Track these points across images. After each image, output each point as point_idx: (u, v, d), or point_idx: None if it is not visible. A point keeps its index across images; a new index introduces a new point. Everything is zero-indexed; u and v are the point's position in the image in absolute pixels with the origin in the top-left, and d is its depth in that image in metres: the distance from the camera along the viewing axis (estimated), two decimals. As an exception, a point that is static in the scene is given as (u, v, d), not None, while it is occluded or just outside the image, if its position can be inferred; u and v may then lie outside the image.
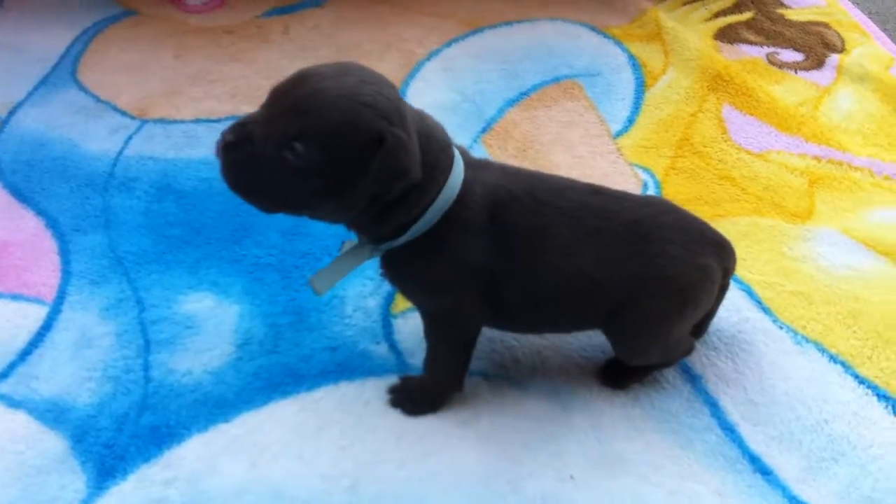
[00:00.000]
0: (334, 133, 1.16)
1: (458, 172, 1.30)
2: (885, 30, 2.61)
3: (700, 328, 1.57)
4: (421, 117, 1.28)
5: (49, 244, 1.80)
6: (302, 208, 1.26)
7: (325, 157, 1.17)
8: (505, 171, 1.39)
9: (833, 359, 1.59)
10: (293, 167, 1.17)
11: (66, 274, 1.74)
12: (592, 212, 1.37)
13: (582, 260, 1.35)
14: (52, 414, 1.49)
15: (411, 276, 1.39)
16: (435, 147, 1.27)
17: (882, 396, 1.53)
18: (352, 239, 1.40)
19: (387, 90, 1.21)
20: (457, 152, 1.33)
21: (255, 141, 1.17)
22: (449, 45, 2.43)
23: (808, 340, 1.62)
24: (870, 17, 2.67)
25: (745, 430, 1.47)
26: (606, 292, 1.38)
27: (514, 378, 1.56)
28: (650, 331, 1.43)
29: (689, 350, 1.53)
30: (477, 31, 2.50)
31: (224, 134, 1.19)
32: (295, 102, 1.16)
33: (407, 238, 1.30)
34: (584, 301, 1.40)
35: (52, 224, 1.84)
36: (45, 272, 1.74)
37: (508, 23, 2.54)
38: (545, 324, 1.49)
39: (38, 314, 1.66)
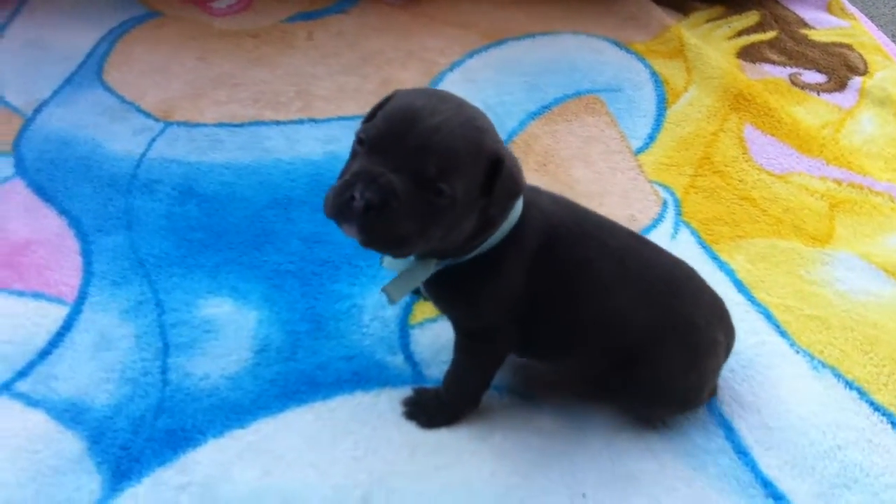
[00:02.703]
0: (466, 163, 1.14)
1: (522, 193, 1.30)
2: (908, 53, 2.61)
3: None
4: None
5: (71, 244, 1.81)
6: (435, 242, 1.21)
7: (464, 189, 1.15)
8: (554, 198, 1.40)
9: (849, 385, 1.59)
10: (442, 208, 1.14)
11: (88, 274, 1.75)
12: (634, 256, 1.39)
13: (617, 300, 1.38)
14: (69, 414, 1.50)
15: (463, 293, 1.35)
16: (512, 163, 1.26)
17: (897, 424, 1.53)
18: None
19: (478, 110, 1.21)
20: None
21: (399, 195, 1.11)
22: (471, 55, 2.44)
23: (824, 365, 1.62)
24: (893, 40, 2.66)
25: (758, 454, 1.47)
26: (631, 335, 1.40)
27: (528, 394, 1.56)
28: (655, 385, 1.44)
29: (695, 406, 1.52)
30: (499, 42, 2.51)
31: (358, 194, 1.10)
32: (421, 143, 1.11)
33: (472, 255, 1.29)
34: (607, 340, 1.41)
35: (75, 224, 1.86)
36: (67, 272, 1.75)
37: (531, 35, 2.55)
38: (563, 355, 1.48)
39: (58, 314, 1.67)
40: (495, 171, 1.18)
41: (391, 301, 1.31)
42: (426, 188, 1.12)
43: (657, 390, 1.45)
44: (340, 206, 1.13)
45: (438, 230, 1.17)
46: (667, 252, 1.46)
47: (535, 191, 1.39)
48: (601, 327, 1.40)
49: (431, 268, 1.30)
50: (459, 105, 1.18)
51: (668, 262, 1.44)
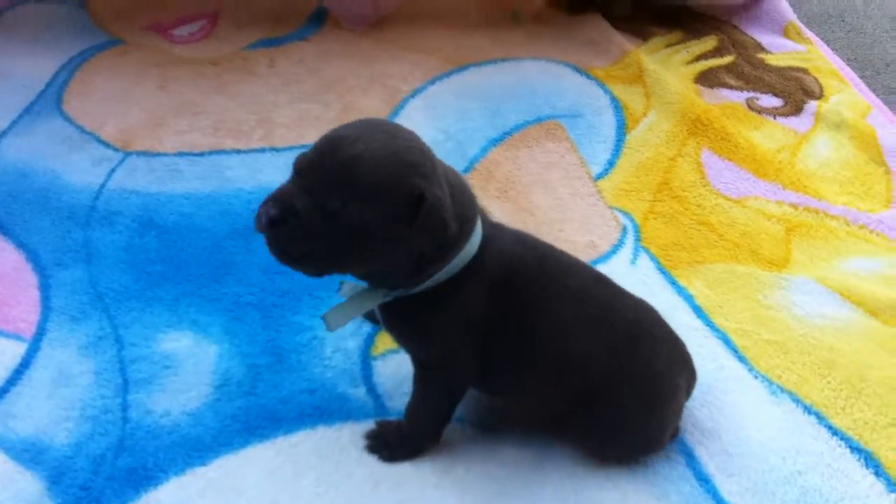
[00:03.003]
0: (377, 196, 1.18)
1: (477, 231, 1.32)
2: (863, 77, 2.66)
3: None
4: (447, 169, 1.29)
5: (29, 278, 1.80)
6: (349, 268, 1.28)
7: (370, 220, 1.18)
8: (518, 237, 1.42)
9: (807, 409, 1.61)
10: (340, 233, 1.18)
11: (46, 309, 1.73)
12: (595, 302, 1.40)
13: (576, 343, 1.39)
14: (28, 454, 1.48)
15: (414, 325, 1.38)
16: (465, 200, 1.29)
17: (855, 449, 1.54)
18: (350, 280, 1.39)
19: (417, 144, 1.24)
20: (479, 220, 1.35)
21: (299, 213, 1.17)
22: (433, 82, 2.45)
23: (783, 390, 1.64)
24: (848, 64, 2.71)
25: (720, 481, 1.49)
26: (589, 380, 1.41)
27: (488, 426, 1.57)
28: (616, 436, 1.46)
29: (656, 449, 1.53)
30: (461, 68, 2.52)
31: (265, 209, 1.18)
32: (331, 170, 1.17)
33: (425, 286, 1.31)
34: (565, 381, 1.42)
35: (33, 258, 1.84)
36: (25, 307, 1.73)
37: (493, 61, 2.57)
38: (520, 392, 1.48)
39: (16, 350, 1.65)
40: (419, 207, 1.19)
41: (328, 327, 1.34)
42: (327, 212, 1.17)
43: (617, 433, 1.46)
44: (255, 221, 1.20)
45: (353, 256, 1.22)
46: (629, 294, 1.48)
47: (498, 228, 1.40)
48: (559, 369, 1.41)
49: (379, 298, 1.33)
50: (393, 137, 1.21)
51: (630, 305, 1.45)
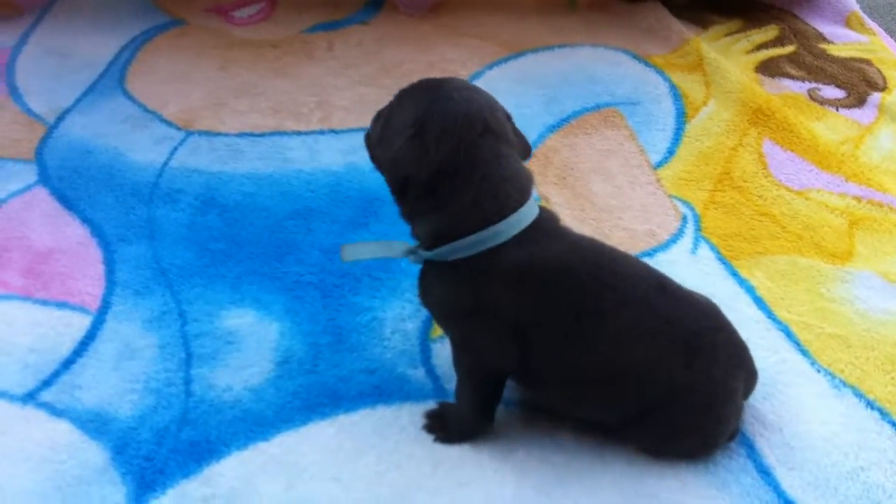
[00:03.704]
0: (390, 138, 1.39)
1: (512, 224, 1.35)
2: (927, 70, 2.61)
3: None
4: (504, 159, 1.36)
5: (94, 253, 1.83)
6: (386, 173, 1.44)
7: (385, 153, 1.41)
8: (576, 244, 1.42)
9: (870, 405, 1.58)
10: (374, 156, 1.49)
11: (111, 284, 1.76)
12: (655, 312, 1.39)
13: (633, 357, 1.39)
14: (94, 424, 1.51)
15: (429, 291, 1.45)
16: (488, 187, 1.33)
17: (919, 446, 1.52)
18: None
19: (453, 110, 1.34)
20: (533, 210, 1.38)
21: (369, 134, 1.52)
22: (490, 67, 2.45)
23: (845, 385, 1.62)
24: (912, 56, 2.66)
25: (780, 474, 1.47)
26: (643, 393, 1.41)
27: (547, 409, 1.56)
28: (673, 440, 1.47)
29: (711, 450, 1.51)
30: (518, 54, 2.52)
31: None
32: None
33: (436, 255, 1.38)
34: (618, 394, 1.43)
35: (98, 233, 1.87)
36: (90, 281, 1.76)
37: (550, 47, 2.56)
38: (570, 402, 1.49)
39: (81, 323, 1.68)
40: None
41: (342, 257, 1.49)
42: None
43: (671, 438, 1.47)
44: None
45: (384, 169, 1.43)
46: (692, 298, 1.46)
47: (558, 234, 1.42)
48: (610, 383, 1.41)
49: (397, 251, 1.46)
50: (442, 97, 1.36)
51: (692, 313, 1.43)
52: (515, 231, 1.35)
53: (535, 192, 1.43)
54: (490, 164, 1.34)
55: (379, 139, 1.44)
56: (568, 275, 1.37)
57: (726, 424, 1.46)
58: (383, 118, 1.44)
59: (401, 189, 1.39)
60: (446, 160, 1.32)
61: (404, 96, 1.42)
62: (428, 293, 1.45)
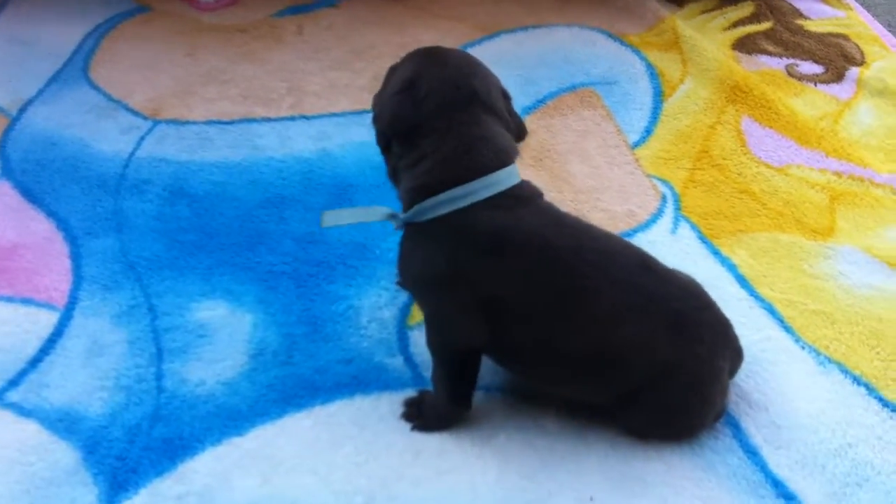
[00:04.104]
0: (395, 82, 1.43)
1: (486, 184, 1.34)
2: (904, 43, 2.59)
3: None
4: (485, 124, 1.38)
5: (60, 247, 1.78)
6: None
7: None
8: (558, 222, 1.41)
9: (856, 380, 1.57)
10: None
11: (78, 278, 1.71)
12: (639, 291, 1.38)
13: (617, 336, 1.37)
14: (63, 424, 1.47)
15: (405, 258, 1.44)
16: (461, 144, 1.35)
17: (906, 422, 1.50)
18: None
19: (445, 75, 1.39)
20: (512, 177, 1.38)
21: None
22: (465, 49, 2.40)
23: (830, 361, 1.60)
24: (889, 30, 2.64)
25: (767, 453, 1.45)
26: (628, 373, 1.39)
27: (529, 393, 1.53)
28: (660, 420, 1.45)
29: (699, 431, 1.50)
30: (493, 35, 2.48)
31: None
32: None
33: (409, 216, 1.39)
34: (602, 374, 1.40)
35: (64, 227, 1.82)
36: (57, 276, 1.71)
37: (524, 28, 2.52)
38: (551, 379, 1.47)
39: (49, 320, 1.63)
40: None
41: (321, 223, 1.46)
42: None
43: (658, 418, 1.44)
44: None
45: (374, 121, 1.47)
46: (675, 276, 1.44)
47: (530, 206, 1.39)
48: (595, 360, 1.39)
49: (377, 215, 1.45)
50: (438, 63, 1.43)
51: (675, 291, 1.41)
52: (489, 192, 1.34)
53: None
54: (468, 125, 1.36)
55: (378, 94, 1.49)
56: (547, 248, 1.36)
57: (712, 404, 1.44)
58: (387, 77, 1.50)
59: (385, 142, 1.43)
60: (427, 117, 1.36)
61: (408, 58, 1.48)
62: (404, 259, 1.44)
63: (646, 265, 1.42)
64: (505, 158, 1.38)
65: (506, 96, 1.46)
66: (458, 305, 1.38)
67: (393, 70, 1.50)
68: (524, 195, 1.39)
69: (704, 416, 1.45)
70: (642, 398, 1.40)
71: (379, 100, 1.48)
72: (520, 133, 1.46)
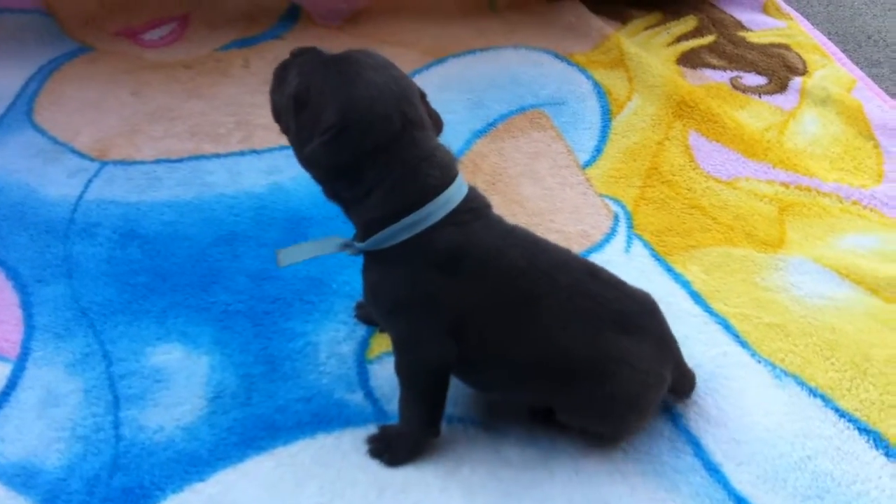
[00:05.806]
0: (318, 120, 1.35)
1: (440, 205, 1.35)
2: (845, 51, 2.64)
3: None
4: (421, 141, 1.35)
5: (10, 296, 1.74)
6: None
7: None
8: (511, 233, 1.43)
9: (812, 392, 1.59)
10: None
11: (30, 328, 1.68)
12: (585, 295, 1.40)
13: (566, 336, 1.39)
14: (20, 479, 1.43)
15: (369, 286, 1.43)
16: (407, 170, 1.34)
17: (863, 430, 1.52)
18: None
19: (372, 108, 1.32)
20: (461, 189, 1.39)
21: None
22: (413, 75, 2.40)
23: (786, 374, 1.62)
24: (829, 38, 2.69)
25: (729, 469, 1.46)
26: (576, 370, 1.41)
27: (491, 424, 1.53)
28: (598, 415, 1.46)
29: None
30: (441, 60, 2.48)
31: None
32: None
33: (370, 245, 1.37)
34: (554, 373, 1.41)
35: (13, 275, 1.79)
36: (8, 327, 1.68)
37: (472, 51, 2.53)
38: (507, 385, 1.48)
39: (1, 372, 1.60)
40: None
41: (278, 263, 1.44)
42: None
43: (598, 413, 1.46)
44: None
45: (300, 159, 1.40)
46: (624, 285, 1.46)
47: (491, 225, 1.41)
48: (546, 362, 1.40)
49: (333, 246, 1.43)
50: (364, 71, 1.38)
51: (621, 296, 1.44)
52: (444, 212, 1.35)
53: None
54: (407, 149, 1.34)
55: (296, 132, 1.40)
56: (502, 260, 1.38)
57: (646, 411, 1.48)
58: (291, 98, 1.39)
59: (320, 182, 1.40)
60: (365, 155, 1.32)
61: (317, 79, 1.38)
62: (373, 289, 1.43)
63: (593, 273, 1.45)
64: (450, 173, 1.38)
65: (422, 95, 1.44)
66: (428, 325, 1.39)
67: (284, 69, 1.47)
68: (477, 207, 1.40)
69: (641, 417, 1.48)
70: (583, 394, 1.42)
71: (299, 138, 1.39)
72: (438, 128, 1.45)
